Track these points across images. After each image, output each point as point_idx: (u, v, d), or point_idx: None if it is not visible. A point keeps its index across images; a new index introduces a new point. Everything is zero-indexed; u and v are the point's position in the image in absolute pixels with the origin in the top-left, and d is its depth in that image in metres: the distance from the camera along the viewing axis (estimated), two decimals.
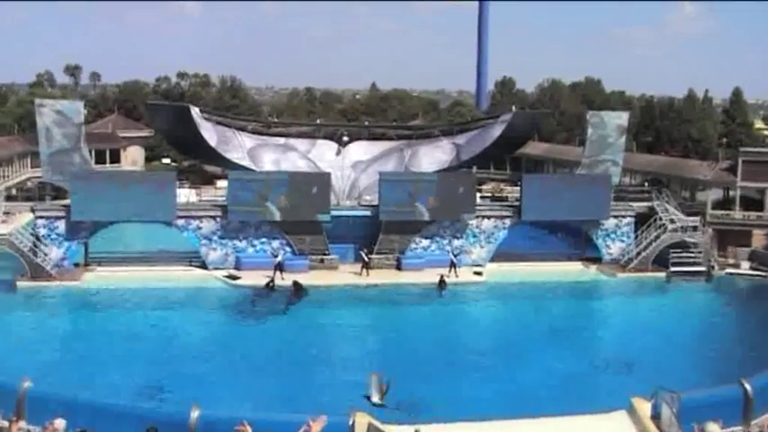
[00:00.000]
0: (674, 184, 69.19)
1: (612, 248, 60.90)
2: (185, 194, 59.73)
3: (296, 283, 52.85)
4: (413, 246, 58.85)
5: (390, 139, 66.68)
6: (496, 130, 64.17)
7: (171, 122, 62.84)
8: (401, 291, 53.76)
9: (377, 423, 22.90)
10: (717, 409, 20.62)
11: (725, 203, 65.30)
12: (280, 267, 54.50)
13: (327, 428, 15.26)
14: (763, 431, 21.09)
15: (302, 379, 36.58)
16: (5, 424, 20.76)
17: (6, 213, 55.31)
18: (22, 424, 20.13)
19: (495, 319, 50.03)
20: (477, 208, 59.91)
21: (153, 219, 56.07)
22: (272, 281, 53.32)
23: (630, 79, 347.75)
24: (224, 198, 58.05)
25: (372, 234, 58.32)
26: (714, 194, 65.69)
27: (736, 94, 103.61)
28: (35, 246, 53.17)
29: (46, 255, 53.36)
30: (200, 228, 56.56)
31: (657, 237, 58.90)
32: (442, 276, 55.02)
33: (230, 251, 56.93)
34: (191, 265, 57.40)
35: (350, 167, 63.50)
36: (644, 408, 25.12)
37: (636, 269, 58.48)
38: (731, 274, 58.94)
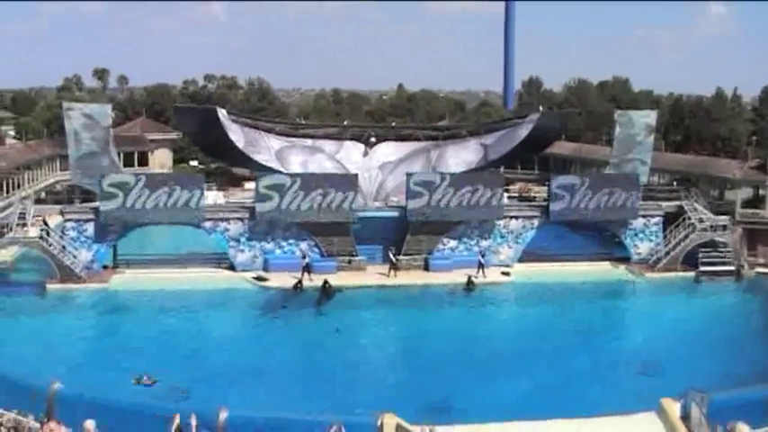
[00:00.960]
0: (702, 183, 68.65)
1: (641, 248, 60.61)
2: (213, 196, 59.94)
3: (326, 282, 52.96)
4: (440, 246, 58.79)
5: (417, 139, 66.60)
6: (524, 130, 64.05)
7: (198, 125, 63.03)
8: (429, 292, 53.75)
9: (405, 424, 22.90)
10: (747, 410, 20.50)
11: (754, 202, 64.80)
12: (308, 269, 54.60)
13: (356, 428, 15.30)
14: None
15: (330, 379, 36.64)
16: (37, 425, 20.94)
17: (36, 217, 55.64)
18: (53, 425, 20.29)
19: (524, 319, 49.88)
20: (505, 208, 59.75)
21: (181, 221, 56.29)
22: (300, 282, 53.42)
23: (658, 78, 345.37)
24: (252, 200, 58.18)
25: (400, 235, 58.31)
26: (743, 193, 65.19)
27: (766, 91, 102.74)
28: (47, 234, 53.36)
29: (75, 257, 53.76)
30: (227, 230, 56.72)
31: (686, 236, 58.56)
32: (470, 277, 54.96)
33: (258, 253, 57.04)
34: (219, 267, 57.59)
35: (377, 168, 63.56)
36: (673, 408, 25.02)
37: (664, 269, 58.16)
38: (761, 273, 58.45)
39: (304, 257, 55.37)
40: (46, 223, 54.73)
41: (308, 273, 54.36)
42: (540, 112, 66.90)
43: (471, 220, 58.65)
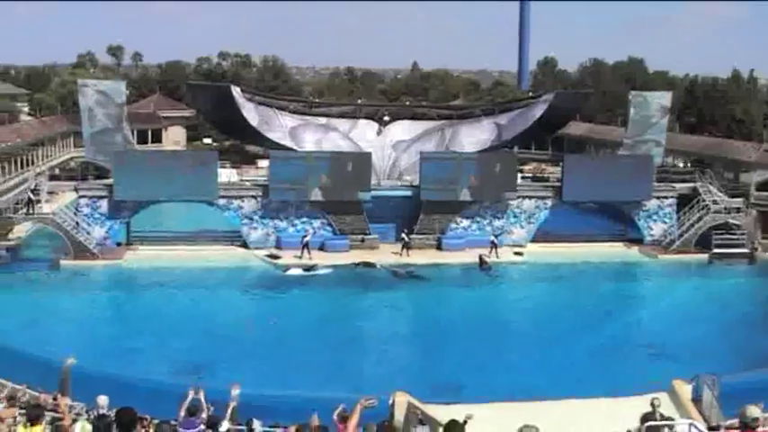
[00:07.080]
0: (717, 165, 68.22)
1: (654, 230, 60.35)
2: (227, 174, 59.91)
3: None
4: (453, 226, 58.71)
5: (431, 118, 66.59)
6: (538, 111, 63.93)
7: (212, 103, 63.15)
8: (442, 271, 53.67)
9: (417, 402, 22.91)
10: (759, 393, 20.44)
11: None
12: (306, 246, 54.53)
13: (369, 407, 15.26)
14: None
15: (342, 358, 36.73)
16: (51, 400, 21.03)
17: (50, 193, 55.75)
18: (67, 400, 20.35)
19: (536, 299, 49.75)
20: (519, 188, 59.61)
21: (195, 198, 56.35)
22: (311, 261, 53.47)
23: (674, 59, 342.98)
24: (265, 178, 58.18)
25: (413, 214, 58.25)
26: (758, 176, 64.85)
27: None
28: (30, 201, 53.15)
29: (88, 233, 53.79)
30: (241, 207, 56.76)
31: (700, 218, 58.30)
32: (481, 256, 54.83)
33: (271, 231, 57.07)
34: (232, 245, 57.69)
35: (391, 147, 63.53)
36: (684, 390, 24.89)
37: (678, 251, 57.91)
38: None
39: (305, 236, 55.17)
40: (33, 192, 54.15)
41: (308, 250, 54.30)
42: (555, 92, 66.69)
43: (484, 199, 58.57)
